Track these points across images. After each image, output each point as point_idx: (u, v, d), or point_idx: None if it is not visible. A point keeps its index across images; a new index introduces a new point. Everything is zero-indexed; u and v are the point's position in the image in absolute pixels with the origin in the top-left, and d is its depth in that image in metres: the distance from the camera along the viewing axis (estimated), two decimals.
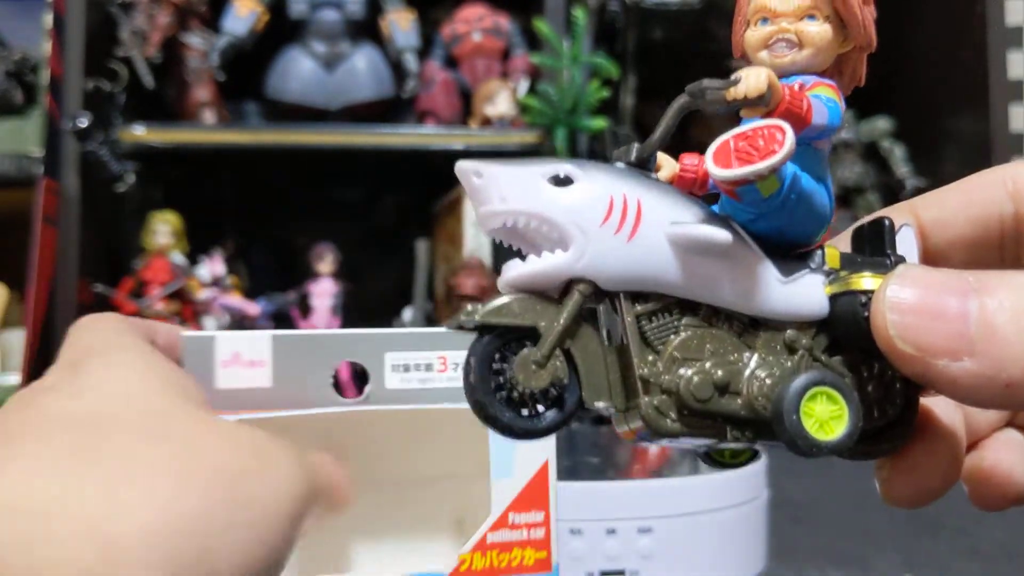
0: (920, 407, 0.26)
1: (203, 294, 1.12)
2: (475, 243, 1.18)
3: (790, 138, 0.23)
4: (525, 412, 0.23)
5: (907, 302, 0.22)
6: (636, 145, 0.25)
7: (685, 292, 0.24)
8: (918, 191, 1.15)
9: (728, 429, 0.24)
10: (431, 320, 1.22)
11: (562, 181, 0.23)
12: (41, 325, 1.03)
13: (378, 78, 1.21)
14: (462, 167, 0.24)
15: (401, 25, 1.20)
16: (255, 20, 1.16)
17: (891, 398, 0.25)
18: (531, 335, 0.23)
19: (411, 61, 1.20)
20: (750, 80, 0.23)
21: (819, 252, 0.25)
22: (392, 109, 1.24)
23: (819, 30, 0.26)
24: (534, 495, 0.34)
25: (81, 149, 1.05)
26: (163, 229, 1.12)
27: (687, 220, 0.24)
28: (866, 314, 0.23)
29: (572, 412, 0.23)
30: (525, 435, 0.23)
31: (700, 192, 0.27)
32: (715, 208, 0.26)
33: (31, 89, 1.19)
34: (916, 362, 0.22)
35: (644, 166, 0.25)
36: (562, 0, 1.12)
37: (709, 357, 0.24)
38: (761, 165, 0.23)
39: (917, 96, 1.21)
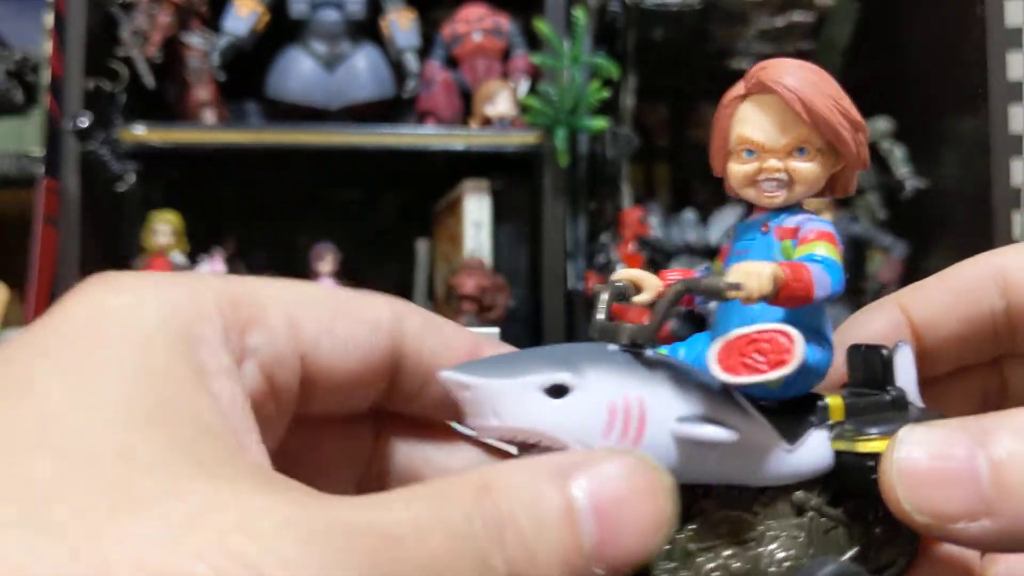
0: None
1: None
2: (475, 243, 1.18)
3: (799, 348, 0.22)
4: None
5: (915, 471, 0.22)
6: (627, 327, 0.23)
7: (694, 479, 0.23)
8: (918, 191, 1.15)
9: None
10: None
11: (558, 391, 0.22)
12: None
13: (378, 78, 1.21)
14: (448, 379, 0.22)
15: (401, 25, 1.20)
16: (256, 20, 1.16)
17: (898, 532, 0.25)
18: None
19: (411, 61, 1.20)
20: (752, 284, 0.23)
21: (822, 404, 0.25)
22: (392, 109, 1.24)
23: (810, 167, 0.25)
24: None
25: (82, 149, 1.05)
26: (163, 229, 1.12)
27: (691, 411, 0.23)
28: (874, 476, 0.23)
29: None
30: None
31: (687, 307, 0.27)
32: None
33: (32, 89, 1.19)
34: (934, 528, 0.22)
35: (639, 346, 0.24)
36: (562, 0, 1.11)
37: (724, 543, 0.24)
38: (771, 376, 0.22)
39: (917, 96, 1.21)
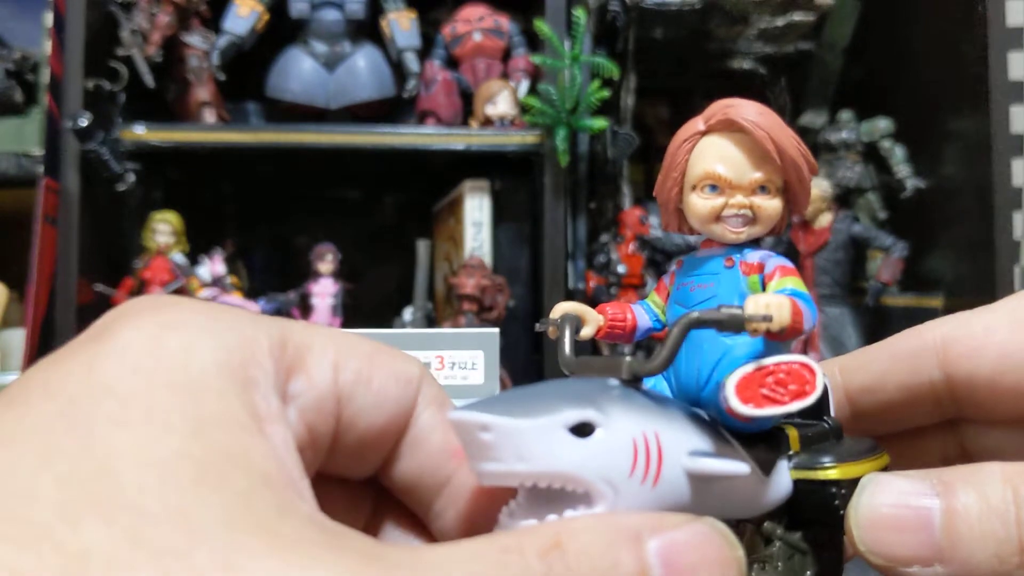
0: None
1: (203, 294, 1.12)
2: (475, 243, 1.18)
3: (820, 379, 0.23)
4: None
5: (874, 516, 0.23)
6: (627, 359, 0.23)
7: (694, 512, 0.23)
8: (918, 192, 1.15)
9: None
10: (431, 320, 1.22)
11: (582, 430, 0.21)
12: (41, 325, 1.03)
13: (379, 78, 1.21)
14: (461, 420, 0.21)
15: (402, 25, 1.20)
16: (256, 20, 1.16)
17: (844, 558, 0.27)
18: None
19: (412, 61, 1.20)
20: (783, 315, 0.22)
21: (784, 436, 0.26)
22: (392, 109, 1.24)
23: (773, 205, 0.26)
24: None
25: (81, 149, 1.05)
26: (163, 229, 1.12)
27: (698, 445, 0.23)
28: (836, 502, 0.24)
29: None
30: None
31: (629, 343, 0.28)
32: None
33: (31, 89, 1.19)
34: (888, 570, 0.23)
35: (637, 380, 0.23)
36: (562, 0, 1.11)
37: None
38: (793, 407, 0.23)
39: (917, 96, 1.21)
